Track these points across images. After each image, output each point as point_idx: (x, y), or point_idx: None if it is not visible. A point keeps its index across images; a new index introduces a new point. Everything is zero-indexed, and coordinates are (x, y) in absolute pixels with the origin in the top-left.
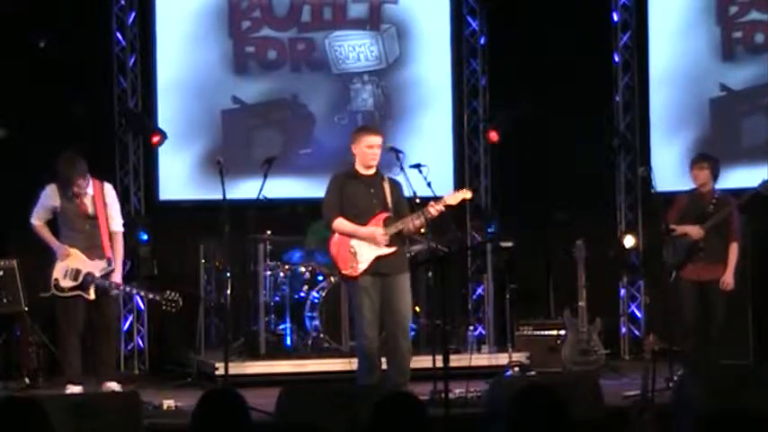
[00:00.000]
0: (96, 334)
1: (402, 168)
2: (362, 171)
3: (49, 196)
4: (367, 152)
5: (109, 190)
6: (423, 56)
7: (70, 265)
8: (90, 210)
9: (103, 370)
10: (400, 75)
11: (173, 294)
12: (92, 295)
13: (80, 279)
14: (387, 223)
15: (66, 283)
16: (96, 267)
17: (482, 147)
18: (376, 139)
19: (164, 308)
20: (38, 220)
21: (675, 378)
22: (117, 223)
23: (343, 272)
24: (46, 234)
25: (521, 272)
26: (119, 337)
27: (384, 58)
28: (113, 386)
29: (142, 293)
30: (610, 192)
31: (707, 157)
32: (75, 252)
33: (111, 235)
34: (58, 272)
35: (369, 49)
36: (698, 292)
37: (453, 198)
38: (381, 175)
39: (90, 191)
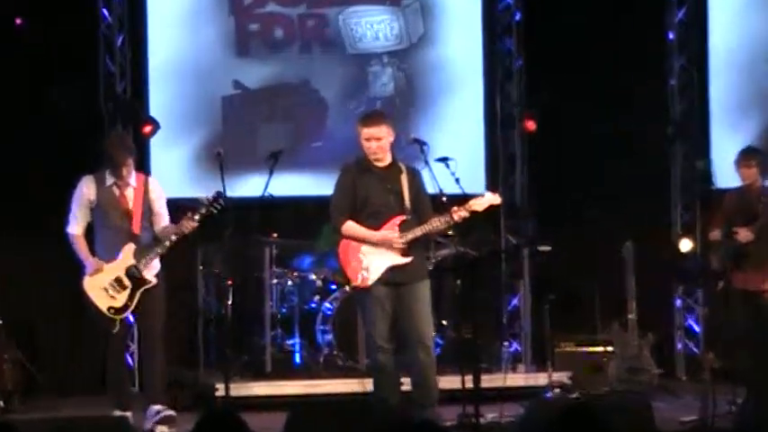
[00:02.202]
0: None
1: (427, 162)
2: (376, 162)
3: (85, 191)
4: (365, 145)
5: (155, 185)
6: (450, 34)
7: (107, 279)
8: (130, 205)
9: (147, 390)
10: (424, 56)
11: (210, 199)
12: (153, 280)
13: (128, 281)
14: (403, 228)
15: (120, 299)
16: (128, 257)
17: (517, 137)
18: (372, 131)
19: (214, 212)
20: (77, 227)
21: (738, 401)
22: (163, 224)
23: (353, 283)
24: (82, 247)
25: (561, 279)
26: (162, 353)
27: (406, 37)
28: (159, 410)
29: (183, 227)
30: (664, 188)
31: (754, 153)
32: (104, 266)
33: (157, 235)
34: (99, 296)
35: (389, 27)
36: (748, 302)
37: (480, 204)
38: (398, 166)
39: (133, 182)
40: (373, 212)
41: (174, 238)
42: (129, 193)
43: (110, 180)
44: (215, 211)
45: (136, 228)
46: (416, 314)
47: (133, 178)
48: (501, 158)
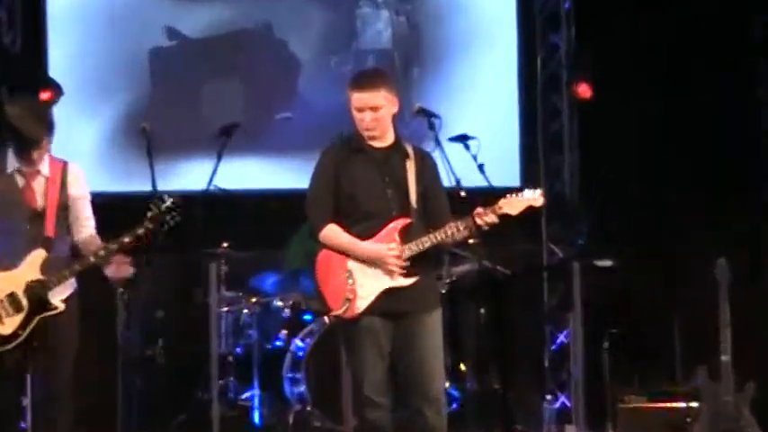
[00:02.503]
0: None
1: (438, 141)
2: (371, 142)
3: None
4: (356, 117)
5: (76, 177)
6: None
7: None
8: (39, 201)
9: None
10: None
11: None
12: (60, 305)
13: (25, 301)
14: (407, 235)
15: (9, 325)
16: (34, 268)
17: (566, 108)
18: (366, 97)
19: (166, 226)
20: None
21: None
22: (89, 228)
23: (335, 311)
24: None
25: (627, 307)
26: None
27: None
28: None
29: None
30: None
31: None
32: None
33: (79, 246)
34: None
35: None
36: None
37: (514, 205)
38: (404, 149)
39: (45, 170)
40: (366, 213)
41: (102, 253)
42: (39, 184)
43: (12, 165)
44: (169, 225)
45: (49, 230)
46: (423, 357)
47: (46, 165)
48: (542, 138)
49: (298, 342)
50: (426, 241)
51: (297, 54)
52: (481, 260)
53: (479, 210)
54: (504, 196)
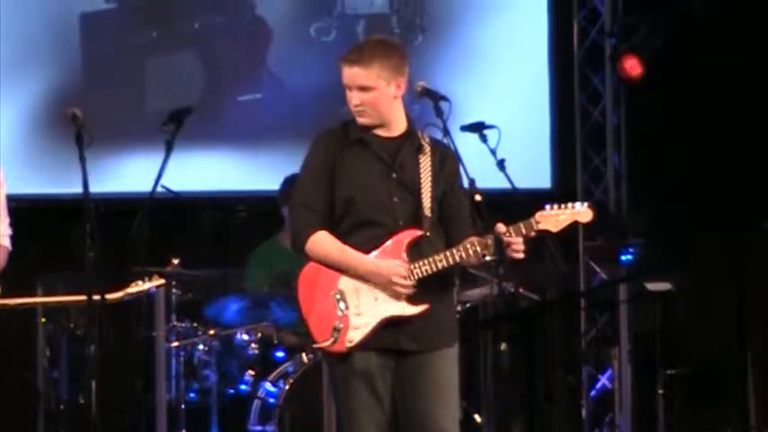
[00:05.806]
0: None
1: (447, 131)
2: (374, 130)
3: None
4: (348, 98)
5: None
6: None
7: None
8: None
9: None
10: None
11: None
12: None
13: None
14: (416, 252)
15: None
16: None
17: (609, 90)
18: (355, 73)
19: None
20: None
21: None
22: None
23: (319, 343)
24: None
25: (688, 342)
26: None
27: None
28: None
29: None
30: None
31: None
32: None
33: None
34: None
35: None
36: None
37: (554, 221)
38: (418, 141)
39: None
40: (365, 221)
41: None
42: None
43: None
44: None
45: None
46: (429, 407)
47: None
48: (579, 126)
49: (268, 386)
50: (441, 260)
51: (266, 19)
52: (501, 282)
53: (522, 224)
54: (543, 207)
